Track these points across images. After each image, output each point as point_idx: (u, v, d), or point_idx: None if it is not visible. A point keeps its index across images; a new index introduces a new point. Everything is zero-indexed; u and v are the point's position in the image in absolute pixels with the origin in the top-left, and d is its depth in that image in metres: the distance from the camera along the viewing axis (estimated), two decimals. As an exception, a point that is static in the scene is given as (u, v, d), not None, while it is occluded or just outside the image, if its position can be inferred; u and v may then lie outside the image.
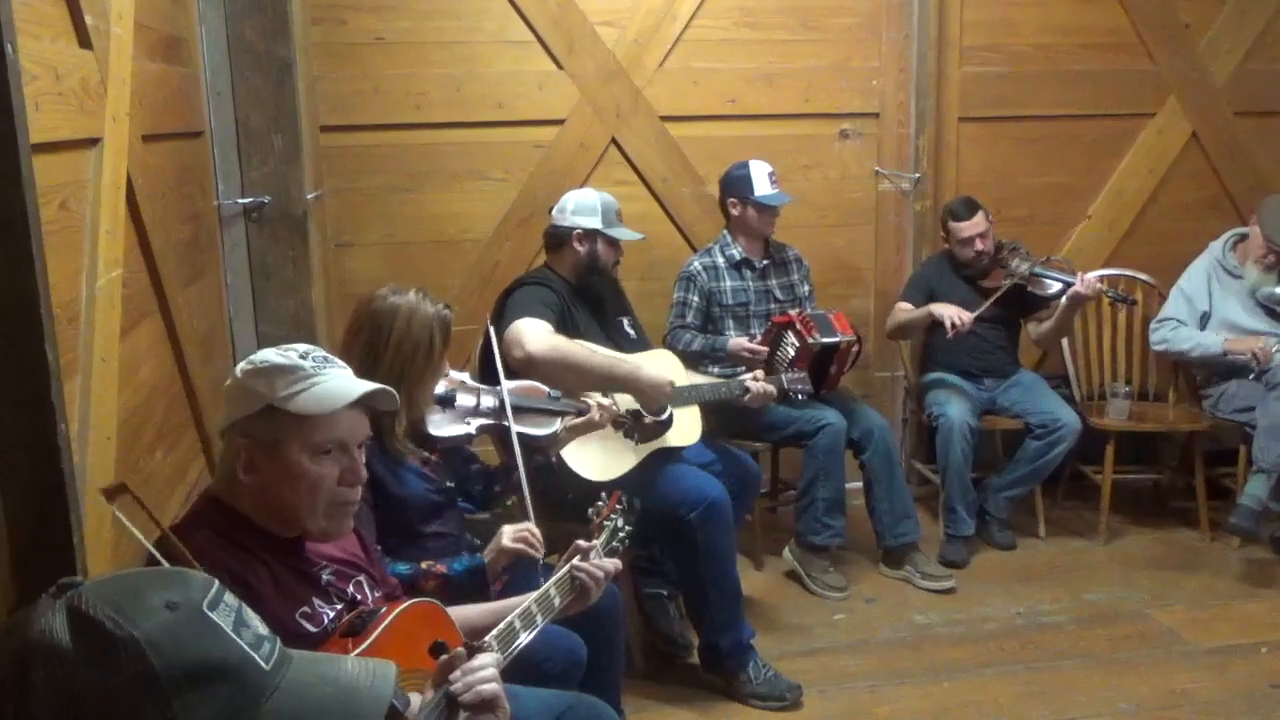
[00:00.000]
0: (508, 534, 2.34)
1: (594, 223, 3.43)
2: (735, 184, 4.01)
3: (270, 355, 1.67)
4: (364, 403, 1.69)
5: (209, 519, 1.67)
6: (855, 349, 3.93)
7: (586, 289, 3.44)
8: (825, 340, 3.77)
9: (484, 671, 1.50)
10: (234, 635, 0.96)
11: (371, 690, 1.05)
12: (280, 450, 1.63)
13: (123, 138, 2.18)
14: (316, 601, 1.70)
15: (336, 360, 1.72)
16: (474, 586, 2.28)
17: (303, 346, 1.70)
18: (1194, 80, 4.75)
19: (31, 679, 0.89)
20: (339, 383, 1.68)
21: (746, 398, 3.50)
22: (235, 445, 1.66)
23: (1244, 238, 4.37)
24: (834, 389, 4.00)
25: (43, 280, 1.44)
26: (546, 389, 2.77)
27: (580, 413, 2.78)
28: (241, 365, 1.68)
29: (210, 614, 0.96)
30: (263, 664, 0.97)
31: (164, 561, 1.45)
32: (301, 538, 1.74)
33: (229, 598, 1.00)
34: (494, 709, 1.49)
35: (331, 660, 1.08)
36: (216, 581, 1.01)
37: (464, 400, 2.57)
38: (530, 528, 2.37)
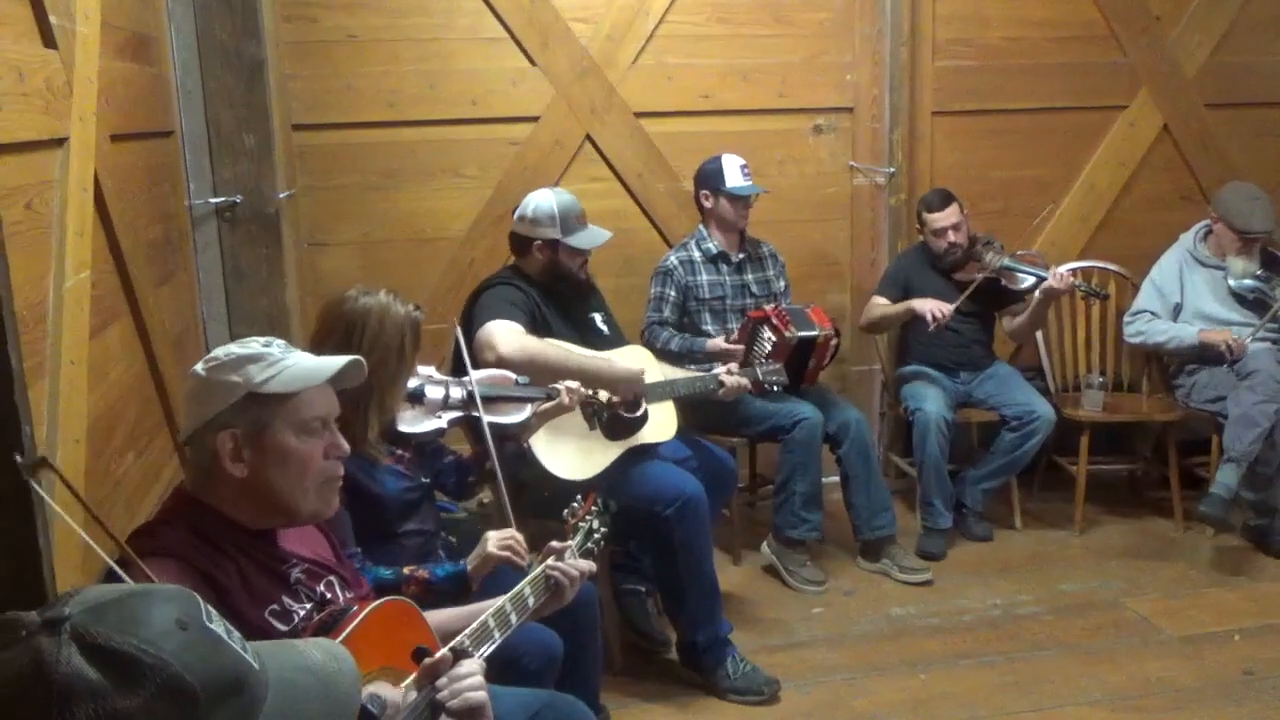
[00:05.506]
0: (493, 540, 2.30)
1: (552, 234, 3.33)
2: (708, 177, 4.02)
3: (231, 349, 1.67)
4: (335, 379, 1.73)
5: (180, 515, 1.66)
6: (834, 342, 3.94)
7: (556, 288, 3.43)
8: (802, 334, 3.78)
9: (472, 679, 1.52)
10: (234, 643, 0.96)
11: (343, 671, 1.06)
12: (267, 434, 1.64)
13: (90, 138, 2.16)
14: (286, 600, 1.69)
15: (292, 347, 1.73)
16: (455, 592, 2.27)
17: (257, 337, 1.71)
18: (1165, 72, 4.78)
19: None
20: (310, 361, 1.71)
21: (720, 391, 3.49)
22: (213, 441, 1.63)
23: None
24: (814, 383, 4.01)
25: (4, 282, 1.43)
26: (514, 376, 2.76)
27: (549, 397, 2.77)
28: (200, 366, 1.67)
29: (211, 626, 0.95)
30: (255, 664, 0.97)
31: (124, 576, 1.43)
32: (275, 531, 1.73)
33: (208, 605, 0.99)
34: (479, 716, 1.50)
35: (290, 647, 1.08)
36: (194, 593, 1.00)
37: (433, 394, 2.55)
38: (515, 535, 2.34)
